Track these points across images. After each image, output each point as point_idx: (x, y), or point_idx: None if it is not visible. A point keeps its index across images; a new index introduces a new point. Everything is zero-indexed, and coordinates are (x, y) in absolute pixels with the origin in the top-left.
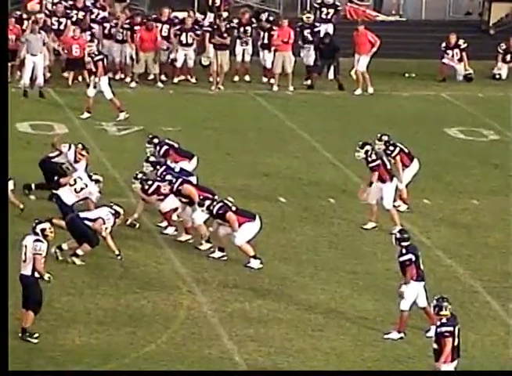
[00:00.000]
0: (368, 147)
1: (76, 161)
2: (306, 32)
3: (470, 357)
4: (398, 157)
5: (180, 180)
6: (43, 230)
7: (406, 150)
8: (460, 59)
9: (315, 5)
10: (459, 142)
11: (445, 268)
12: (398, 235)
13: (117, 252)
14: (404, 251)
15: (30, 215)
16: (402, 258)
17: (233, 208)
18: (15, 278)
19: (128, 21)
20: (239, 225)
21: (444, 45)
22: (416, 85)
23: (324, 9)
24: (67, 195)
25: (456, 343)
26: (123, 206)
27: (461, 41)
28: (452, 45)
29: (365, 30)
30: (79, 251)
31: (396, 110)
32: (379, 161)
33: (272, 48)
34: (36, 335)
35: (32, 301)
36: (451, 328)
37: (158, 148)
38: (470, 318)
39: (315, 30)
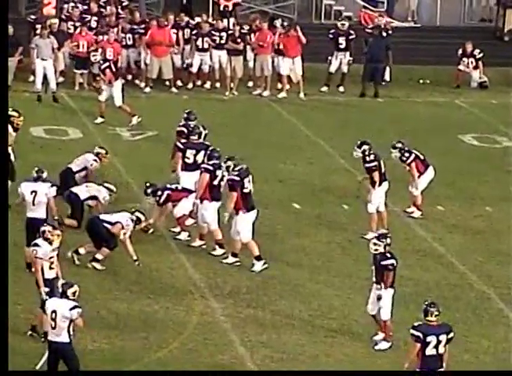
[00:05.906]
0: (366, 147)
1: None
2: (341, 39)
3: (482, 363)
4: (413, 164)
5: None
6: (43, 233)
7: (421, 157)
8: (476, 67)
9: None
10: (473, 148)
11: (459, 274)
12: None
13: (134, 257)
14: (389, 255)
15: None
16: (384, 262)
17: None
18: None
19: (143, 26)
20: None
21: (460, 52)
22: (431, 91)
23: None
24: (80, 190)
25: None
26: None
27: (476, 51)
28: (468, 53)
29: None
30: (98, 256)
31: (410, 116)
32: (376, 163)
33: (252, 51)
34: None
35: None
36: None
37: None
38: (482, 325)
39: (350, 37)
